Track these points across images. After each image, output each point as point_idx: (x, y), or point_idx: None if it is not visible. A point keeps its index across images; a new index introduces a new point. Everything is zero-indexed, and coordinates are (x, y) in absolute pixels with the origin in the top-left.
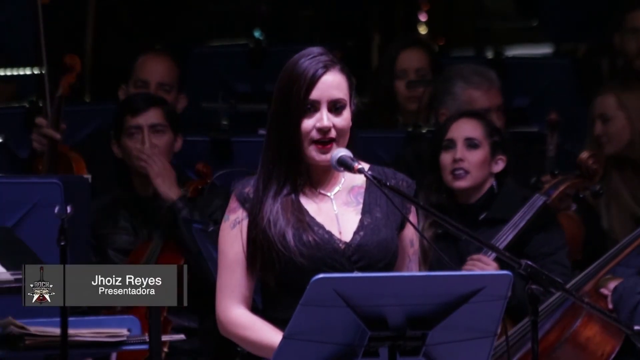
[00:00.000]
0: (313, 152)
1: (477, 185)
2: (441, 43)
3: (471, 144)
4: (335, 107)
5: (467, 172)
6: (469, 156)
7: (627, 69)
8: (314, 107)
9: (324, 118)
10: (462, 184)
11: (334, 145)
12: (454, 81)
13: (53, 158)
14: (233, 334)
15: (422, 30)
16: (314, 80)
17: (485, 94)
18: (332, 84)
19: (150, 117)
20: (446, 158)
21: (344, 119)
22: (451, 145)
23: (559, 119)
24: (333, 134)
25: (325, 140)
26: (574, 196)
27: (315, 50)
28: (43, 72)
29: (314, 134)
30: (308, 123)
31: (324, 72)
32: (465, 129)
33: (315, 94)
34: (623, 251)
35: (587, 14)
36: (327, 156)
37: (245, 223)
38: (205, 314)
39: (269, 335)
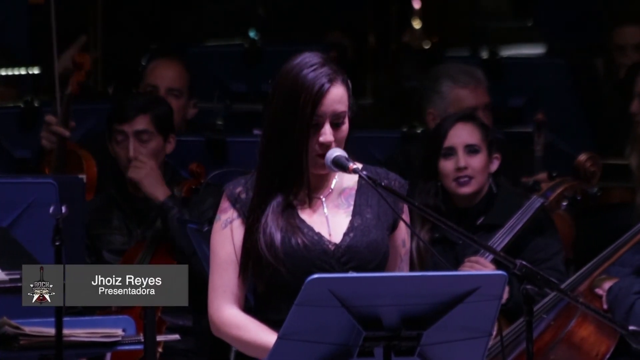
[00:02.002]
0: (314, 164)
1: (480, 189)
2: (435, 40)
3: (472, 150)
4: (337, 120)
5: (471, 177)
6: (472, 162)
7: (621, 70)
8: (318, 122)
9: (327, 133)
10: (467, 190)
11: None
12: (441, 80)
13: (62, 155)
14: (226, 334)
15: (416, 24)
16: (320, 96)
17: (472, 92)
18: (336, 98)
19: (136, 124)
20: (448, 166)
21: (344, 130)
22: (451, 152)
23: (546, 119)
24: (333, 147)
25: (325, 153)
26: (571, 198)
27: (316, 59)
28: (37, 72)
29: (316, 148)
30: (312, 138)
31: (330, 87)
32: (463, 135)
33: (320, 110)
34: (618, 251)
35: (582, 14)
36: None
37: (236, 223)
38: (200, 313)
39: (263, 335)
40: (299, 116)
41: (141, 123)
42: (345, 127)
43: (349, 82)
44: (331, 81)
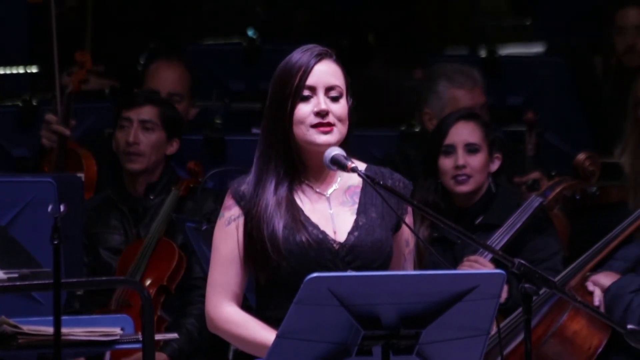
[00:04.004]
0: (314, 134)
1: (479, 188)
2: None
3: (472, 149)
4: (332, 94)
5: (469, 176)
6: (471, 161)
7: (619, 67)
8: (311, 92)
9: (322, 102)
10: (464, 188)
11: (334, 130)
12: (437, 80)
13: (62, 154)
14: (224, 331)
15: None
16: (308, 68)
17: (469, 93)
18: (328, 71)
19: (143, 112)
20: (447, 163)
21: (342, 106)
22: (451, 150)
23: (537, 118)
24: (332, 119)
25: (324, 122)
26: (570, 198)
27: (309, 45)
28: (36, 70)
29: (312, 119)
30: (305, 109)
31: (319, 60)
32: (464, 133)
33: (311, 80)
34: (608, 245)
35: (581, 13)
36: (328, 137)
37: (240, 221)
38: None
39: (262, 333)
40: (290, 90)
41: (148, 113)
42: (342, 104)
43: (346, 75)
44: (321, 56)
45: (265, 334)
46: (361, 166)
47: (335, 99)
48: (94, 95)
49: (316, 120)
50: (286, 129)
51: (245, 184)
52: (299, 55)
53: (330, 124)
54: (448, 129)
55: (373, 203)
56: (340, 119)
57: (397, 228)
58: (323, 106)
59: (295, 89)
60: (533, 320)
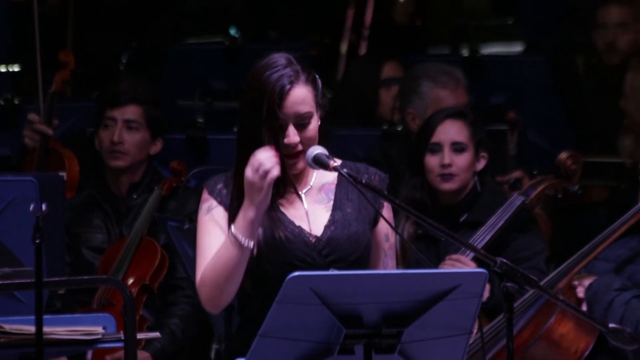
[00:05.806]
0: (283, 159)
1: (464, 186)
2: (419, 24)
3: (458, 148)
4: (301, 121)
5: (454, 175)
6: (457, 160)
7: (600, 65)
8: (282, 124)
9: (290, 135)
10: (449, 186)
11: (301, 157)
12: (420, 80)
13: (44, 154)
14: (208, 282)
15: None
16: (280, 99)
17: (452, 93)
18: (297, 99)
19: (127, 112)
20: (433, 161)
21: (310, 130)
22: (437, 148)
23: (518, 118)
24: (299, 147)
25: (292, 154)
26: (552, 197)
27: (281, 60)
28: (17, 69)
29: (282, 148)
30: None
31: (290, 89)
32: (451, 132)
33: (282, 113)
34: (596, 248)
35: (562, 12)
36: (298, 165)
37: (218, 209)
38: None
39: (221, 245)
40: (264, 119)
41: (133, 112)
42: (312, 127)
43: (317, 80)
44: (292, 82)
45: (222, 241)
46: (337, 162)
47: (304, 126)
48: (76, 94)
49: (286, 151)
50: (259, 144)
51: (221, 183)
52: (272, 78)
53: (299, 153)
54: (435, 126)
55: (349, 198)
56: (308, 143)
57: (375, 222)
58: (292, 140)
59: (265, 118)
60: (520, 323)
